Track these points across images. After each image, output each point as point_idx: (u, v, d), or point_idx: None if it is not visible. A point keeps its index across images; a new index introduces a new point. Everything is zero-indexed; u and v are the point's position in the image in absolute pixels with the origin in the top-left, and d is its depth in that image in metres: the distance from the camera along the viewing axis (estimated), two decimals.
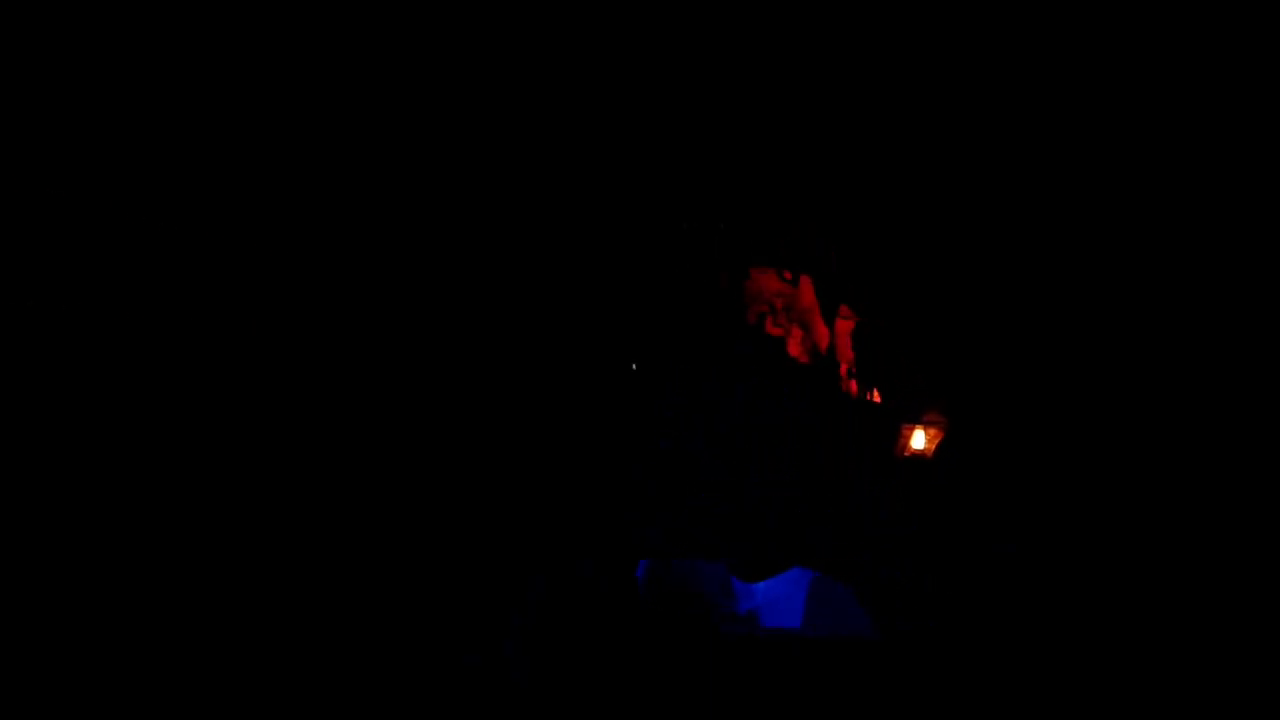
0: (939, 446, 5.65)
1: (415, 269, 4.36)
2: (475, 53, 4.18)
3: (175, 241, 3.59)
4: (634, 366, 6.08)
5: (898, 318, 5.94)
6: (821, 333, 7.99)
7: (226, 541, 3.41)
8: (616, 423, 5.53)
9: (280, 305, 3.82)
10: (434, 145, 4.41)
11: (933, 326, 5.50)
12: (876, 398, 6.67)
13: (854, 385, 7.06)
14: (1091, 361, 4.48)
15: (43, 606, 2.92)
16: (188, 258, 3.61)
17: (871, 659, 4.32)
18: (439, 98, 4.27)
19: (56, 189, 3.20)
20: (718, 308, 7.89)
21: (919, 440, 5.76)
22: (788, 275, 8.02)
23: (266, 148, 3.81)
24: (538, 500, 4.41)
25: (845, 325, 7.33)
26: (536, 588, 4.07)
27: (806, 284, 7.95)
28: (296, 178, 3.93)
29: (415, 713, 3.29)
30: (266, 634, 3.30)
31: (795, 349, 8.12)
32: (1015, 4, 3.81)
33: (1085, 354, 4.51)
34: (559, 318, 5.06)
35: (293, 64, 3.77)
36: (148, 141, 3.49)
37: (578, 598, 4.00)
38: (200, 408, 3.55)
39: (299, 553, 3.58)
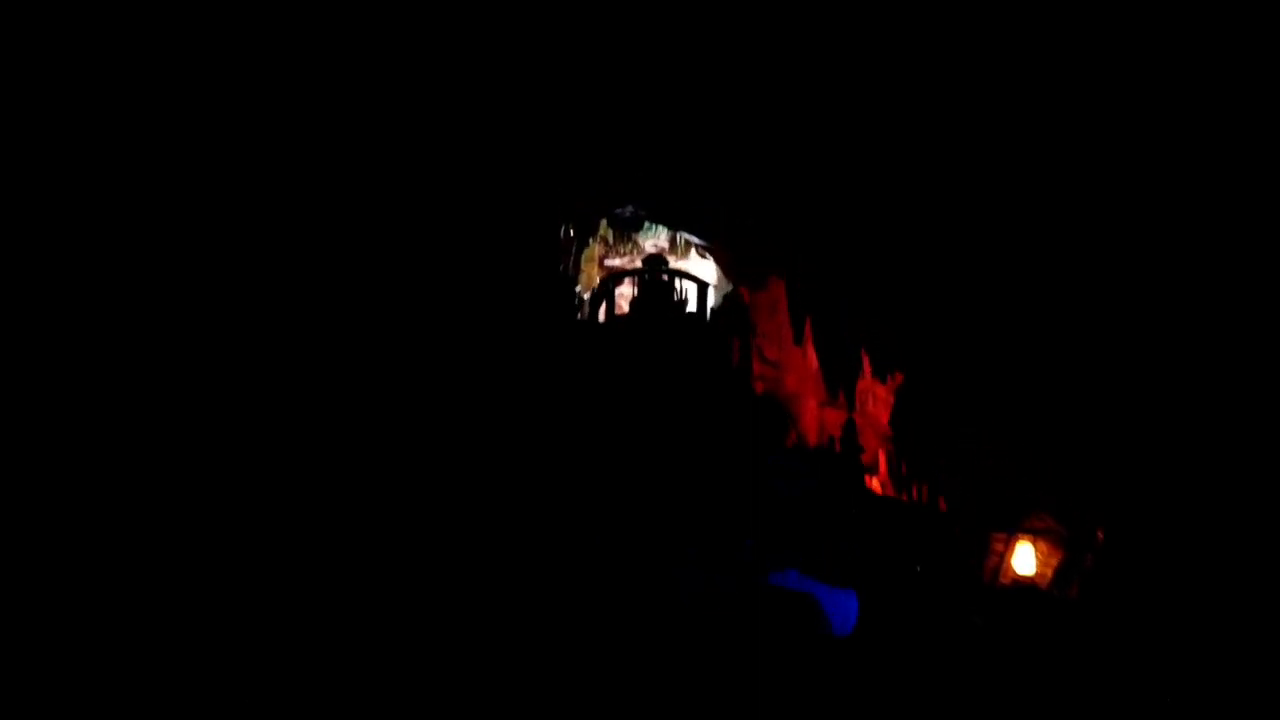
0: (1060, 570, 3.56)
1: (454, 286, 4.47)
2: (470, 56, 4.40)
3: (173, 242, 3.66)
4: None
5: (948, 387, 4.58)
6: (810, 420, 7.90)
7: (247, 542, 3.35)
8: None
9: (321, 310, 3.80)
10: (469, 164, 4.60)
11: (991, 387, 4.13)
12: (939, 504, 5.07)
13: (888, 484, 6.09)
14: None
15: (42, 605, 2.85)
16: (185, 258, 3.72)
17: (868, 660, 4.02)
18: (440, 105, 4.48)
19: (56, 189, 3.25)
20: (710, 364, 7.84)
21: (1026, 562, 3.51)
22: (770, 356, 8.10)
23: (262, 149, 3.91)
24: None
25: (837, 416, 7.09)
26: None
27: (793, 362, 7.88)
28: (294, 180, 4.05)
29: (416, 713, 3.10)
30: (268, 633, 3.19)
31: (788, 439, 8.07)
32: (1014, 4, 3.58)
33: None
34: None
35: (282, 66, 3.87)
36: (148, 142, 3.57)
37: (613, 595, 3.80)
38: (203, 409, 3.54)
39: (305, 553, 3.51)
